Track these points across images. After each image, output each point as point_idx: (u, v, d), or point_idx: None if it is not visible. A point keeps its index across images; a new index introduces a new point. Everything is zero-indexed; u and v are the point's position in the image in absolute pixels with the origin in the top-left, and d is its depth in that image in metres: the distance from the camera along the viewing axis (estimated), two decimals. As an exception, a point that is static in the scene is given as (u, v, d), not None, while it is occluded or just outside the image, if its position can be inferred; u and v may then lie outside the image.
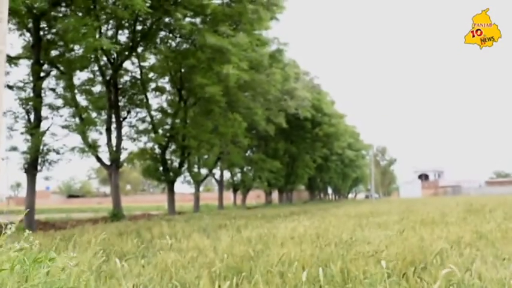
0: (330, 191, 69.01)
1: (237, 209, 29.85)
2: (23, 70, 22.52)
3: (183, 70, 21.07)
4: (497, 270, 4.02)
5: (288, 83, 25.40)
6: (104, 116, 19.63)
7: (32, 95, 16.06)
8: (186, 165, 24.31)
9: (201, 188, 30.28)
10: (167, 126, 22.16)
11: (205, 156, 26.76)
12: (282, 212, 19.14)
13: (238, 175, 34.90)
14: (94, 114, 19.89)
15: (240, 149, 26.84)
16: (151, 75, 22.27)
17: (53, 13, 15.67)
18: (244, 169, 34.29)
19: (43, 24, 16.10)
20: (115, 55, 18.14)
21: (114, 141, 19.04)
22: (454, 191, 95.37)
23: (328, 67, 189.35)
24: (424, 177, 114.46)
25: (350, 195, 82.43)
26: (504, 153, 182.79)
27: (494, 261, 4.55)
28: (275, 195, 44.84)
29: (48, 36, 16.67)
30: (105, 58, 18.23)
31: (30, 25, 15.96)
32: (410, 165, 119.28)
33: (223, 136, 22.54)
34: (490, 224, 9.09)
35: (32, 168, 15.59)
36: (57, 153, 16.99)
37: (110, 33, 18.40)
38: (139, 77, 21.20)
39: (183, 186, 33.32)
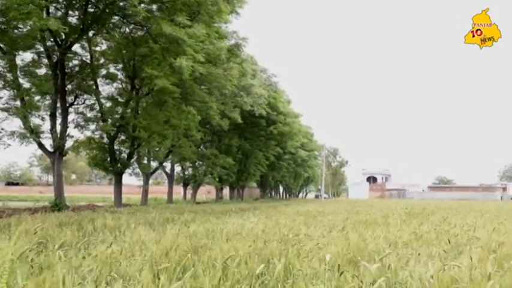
0: (281, 189, 69.60)
1: (187, 203, 29.49)
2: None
3: (136, 58, 20.37)
4: (429, 268, 4.09)
5: (245, 79, 25.22)
6: (49, 101, 18.70)
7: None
8: (135, 157, 23.64)
9: (150, 181, 29.64)
10: (117, 116, 21.38)
11: (156, 149, 26.12)
12: (231, 208, 19.04)
13: (190, 169, 34.43)
14: (37, 98, 18.88)
15: (192, 143, 26.42)
16: (102, 61, 21.43)
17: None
18: (196, 164, 33.88)
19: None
20: (63, 37, 17.28)
21: (58, 128, 18.19)
22: (399, 194, 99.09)
23: (287, 66, 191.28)
24: (372, 179, 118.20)
25: (301, 195, 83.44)
26: (447, 160, 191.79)
27: (426, 260, 4.64)
28: (226, 191, 44.67)
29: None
30: (52, 39, 17.32)
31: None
32: (360, 168, 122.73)
33: (175, 129, 22.01)
34: (427, 227, 9.41)
35: (-36, 152, 14.61)
36: (-6, 137, 16.03)
37: (59, 13, 17.52)
38: (89, 62, 20.35)
39: (131, 178, 32.39)
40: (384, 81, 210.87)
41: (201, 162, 33.61)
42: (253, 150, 39.18)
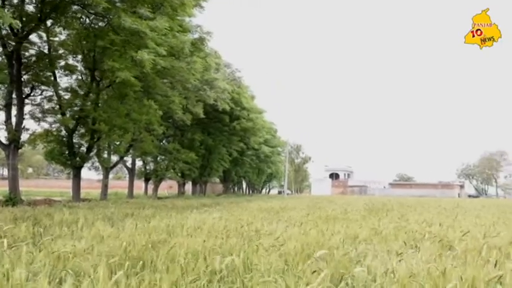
0: (244, 185, 69.72)
1: (148, 198, 29.08)
2: None
3: (97, 50, 19.83)
4: (386, 263, 4.18)
5: (209, 73, 25.05)
6: (3, 91, 17.97)
7: None
8: (94, 150, 23.05)
9: (110, 176, 29.01)
10: (76, 108, 20.78)
11: (117, 142, 25.57)
12: (193, 204, 18.94)
13: (151, 164, 33.95)
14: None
15: (154, 137, 26.04)
16: (61, 51, 20.74)
17: None
18: (158, 158, 33.44)
19: None
20: (19, 26, 16.62)
21: (14, 120, 17.52)
22: (361, 190, 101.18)
23: (251, 62, 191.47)
24: (334, 176, 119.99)
25: (264, 190, 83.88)
26: (407, 158, 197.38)
27: (383, 255, 4.75)
28: (188, 186, 44.34)
29: None
30: (8, 28, 16.63)
31: None
32: (322, 164, 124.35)
33: (136, 123, 21.62)
34: (385, 223, 9.63)
35: None
36: None
37: (15, 0, 16.82)
38: (47, 52, 19.65)
39: (90, 173, 31.64)
40: (348, 78, 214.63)
41: (163, 157, 33.20)
42: (217, 145, 39.03)
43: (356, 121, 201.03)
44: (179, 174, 35.26)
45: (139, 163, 34.71)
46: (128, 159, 32.50)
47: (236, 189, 65.30)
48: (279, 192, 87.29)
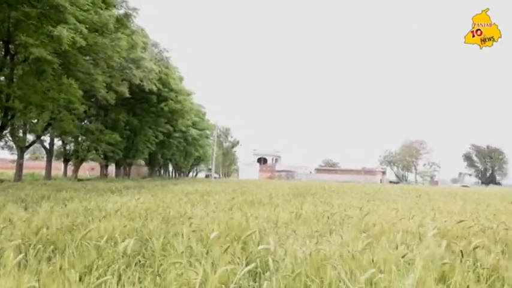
0: (171, 168, 68.70)
1: (67, 180, 27.81)
2: None
3: (11, 21, 18.33)
4: (306, 246, 4.32)
5: (135, 51, 24.14)
6: None
7: None
8: (8, 129, 21.51)
9: (26, 156, 27.33)
10: (-13, 83, 19.21)
11: (34, 121, 24.04)
12: (116, 186, 18.41)
13: (72, 144, 32.37)
14: None
15: (75, 117, 24.75)
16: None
17: None
18: (79, 139, 31.95)
19: None
20: None
21: None
22: (288, 175, 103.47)
23: (180, 43, 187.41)
24: (263, 160, 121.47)
25: (191, 174, 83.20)
26: (334, 144, 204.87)
27: (303, 238, 4.91)
28: (112, 168, 42.92)
29: None
30: None
31: None
32: (251, 148, 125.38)
33: (55, 101, 20.38)
34: (308, 207, 9.94)
35: None
36: None
37: None
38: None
39: (4, 152, 29.58)
40: (280, 64, 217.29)
41: (84, 137, 31.76)
42: (142, 126, 37.99)
43: (285, 107, 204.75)
44: (102, 156, 33.95)
45: (58, 143, 33.03)
46: (46, 139, 30.80)
47: (162, 172, 64.21)
48: (207, 176, 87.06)
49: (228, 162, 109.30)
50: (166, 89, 34.25)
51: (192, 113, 46.20)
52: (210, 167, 75.66)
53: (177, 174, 69.60)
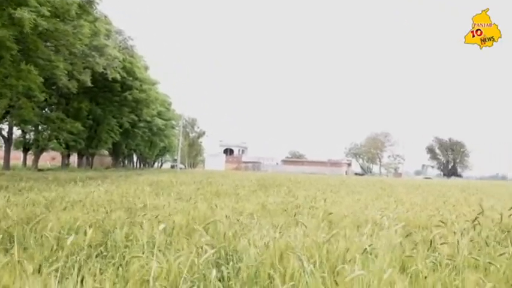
0: (135, 158, 67.64)
1: (27, 170, 26.95)
2: None
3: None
4: (268, 236, 4.35)
5: (98, 39, 23.47)
6: None
7: None
8: (-38, 116, 20.62)
9: (-18, 145, 26.23)
10: None
11: (-9, 108, 23.10)
12: (78, 177, 17.97)
13: (32, 133, 31.34)
14: None
15: (34, 104, 23.93)
16: None
17: None
18: (40, 127, 30.94)
19: None
20: None
21: None
22: (254, 166, 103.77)
23: (145, 31, 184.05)
24: (229, 151, 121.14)
25: (156, 164, 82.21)
26: (300, 136, 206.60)
27: (268, 229, 4.94)
28: (74, 158, 41.89)
29: None
30: None
31: None
32: (217, 139, 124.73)
33: (13, 88, 19.60)
34: (274, 198, 10.00)
35: None
36: None
37: None
38: None
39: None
40: (247, 56, 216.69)
41: (45, 126, 30.80)
42: (106, 116, 37.17)
43: (252, 98, 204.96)
44: (63, 145, 33.07)
45: (18, 132, 31.91)
46: (4, 127, 29.69)
47: (127, 162, 63.16)
48: (172, 167, 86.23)
49: (194, 153, 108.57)
50: (130, 78, 33.59)
51: (158, 103, 45.56)
52: (176, 157, 74.95)
53: (141, 165, 68.65)
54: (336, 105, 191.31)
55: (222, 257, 4.23)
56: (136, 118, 41.73)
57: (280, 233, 4.64)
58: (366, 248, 3.62)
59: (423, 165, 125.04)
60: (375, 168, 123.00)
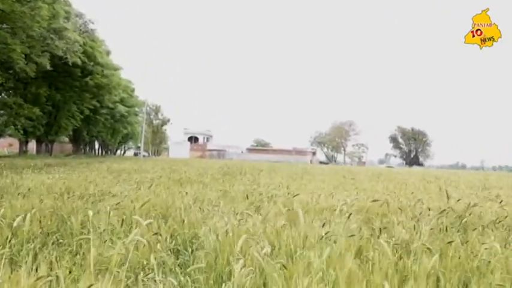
0: (97, 145, 66.13)
1: (-19, 157, 25.90)
2: None
3: None
4: (227, 222, 4.37)
5: (57, 21, 22.65)
6: None
7: None
8: None
9: None
10: None
11: None
12: (36, 163, 17.45)
13: (-13, 119, 30.08)
14: None
15: (-11, 89, 22.97)
16: None
17: None
18: (-5, 113, 29.74)
19: None
20: None
21: None
22: (219, 154, 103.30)
23: (107, 14, 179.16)
24: (194, 139, 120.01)
25: (119, 152, 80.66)
26: (265, 125, 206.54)
27: (230, 216, 4.96)
28: (33, 145, 40.54)
29: None
30: None
31: None
32: (182, 127, 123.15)
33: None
34: (237, 186, 10.02)
35: None
36: None
37: None
38: None
39: None
40: (212, 43, 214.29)
41: (1, 111, 29.59)
42: (66, 101, 36.09)
43: (217, 86, 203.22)
44: (21, 132, 31.91)
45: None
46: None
47: (88, 149, 61.70)
48: (135, 154, 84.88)
49: (158, 141, 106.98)
50: (91, 63, 32.64)
51: (120, 89, 44.60)
52: (139, 145, 73.74)
53: (104, 152, 67.22)
54: (302, 93, 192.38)
55: (183, 244, 4.23)
56: (98, 104, 40.71)
57: (241, 220, 4.67)
58: (324, 235, 3.69)
59: (386, 154, 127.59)
60: (340, 157, 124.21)
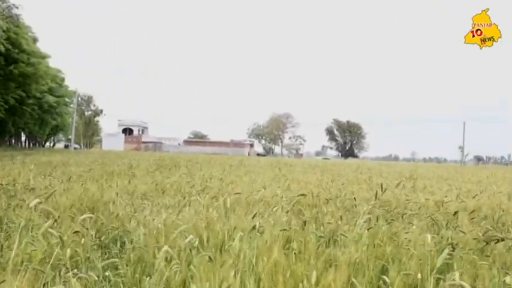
0: (23, 137, 62.49)
1: None
2: None
3: None
4: (161, 216, 4.32)
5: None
6: None
7: None
8: None
9: None
10: None
11: None
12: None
13: None
14: None
15: None
16: None
17: None
18: None
19: None
20: None
21: None
22: (155, 147, 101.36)
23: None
24: (128, 131, 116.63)
25: (48, 144, 76.79)
26: (202, 116, 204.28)
27: (160, 209, 4.91)
28: (-50, 137, 37.60)
29: None
30: None
31: None
32: (116, 118, 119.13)
33: None
34: (170, 178, 9.91)
35: None
36: None
37: None
38: None
39: None
40: (144, 33, 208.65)
41: None
42: (-13, 91, 33.73)
43: (154, 76, 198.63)
44: None
45: None
46: None
47: (14, 142, 58.17)
48: (66, 147, 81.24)
49: (90, 133, 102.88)
50: (16, 50, 30.73)
51: (48, 78, 42.43)
52: (70, 137, 70.59)
53: (31, 144, 63.71)
54: (240, 85, 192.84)
55: (111, 238, 4.12)
56: (24, 94, 38.42)
57: (171, 213, 4.63)
58: (254, 226, 3.74)
59: (323, 147, 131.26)
60: (277, 149, 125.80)
